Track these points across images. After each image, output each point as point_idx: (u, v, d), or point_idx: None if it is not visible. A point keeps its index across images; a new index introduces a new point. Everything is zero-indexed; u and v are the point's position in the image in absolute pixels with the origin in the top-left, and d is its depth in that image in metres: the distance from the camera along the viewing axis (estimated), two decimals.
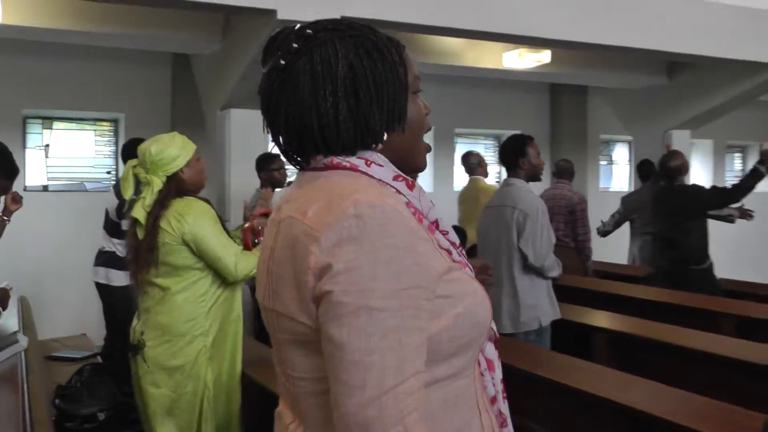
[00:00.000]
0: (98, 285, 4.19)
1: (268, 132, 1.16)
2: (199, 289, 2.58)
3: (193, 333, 2.56)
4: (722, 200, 5.13)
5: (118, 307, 4.11)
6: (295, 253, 1.04)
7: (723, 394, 2.76)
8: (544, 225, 3.57)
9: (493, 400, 1.21)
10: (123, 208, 3.88)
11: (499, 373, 1.22)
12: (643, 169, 6.21)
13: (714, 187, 5.43)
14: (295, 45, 1.10)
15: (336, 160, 1.11)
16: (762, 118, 9.78)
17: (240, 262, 2.57)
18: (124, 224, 3.87)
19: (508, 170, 3.73)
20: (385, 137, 1.13)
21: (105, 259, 4.16)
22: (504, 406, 1.23)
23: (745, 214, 5.82)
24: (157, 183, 2.54)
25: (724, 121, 8.13)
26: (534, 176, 3.70)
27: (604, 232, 6.27)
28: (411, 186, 1.14)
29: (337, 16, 3.91)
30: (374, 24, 3.86)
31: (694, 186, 5.40)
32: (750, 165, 10.20)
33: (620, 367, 3.35)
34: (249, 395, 2.78)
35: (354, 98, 1.10)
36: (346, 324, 0.97)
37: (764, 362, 3.05)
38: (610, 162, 9.70)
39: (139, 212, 2.51)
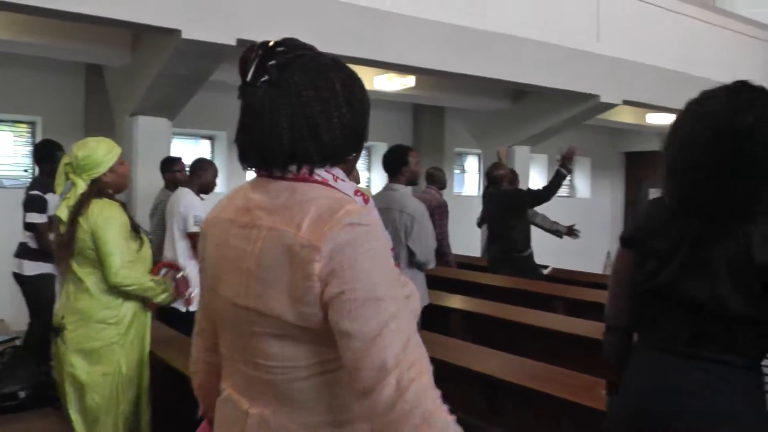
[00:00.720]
0: (14, 274, 4.27)
1: (234, 148, 1.18)
2: None
3: (108, 320, 2.64)
4: (536, 200, 5.56)
5: (30, 294, 4.25)
6: (292, 263, 1.07)
7: (557, 362, 3.04)
8: (428, 226, 3.75)
9: None
10: (28, 203, 4.10)
11: None
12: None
13: (529, 190, 5.90)
14: (274, 62, 1.13)
15: (306, 173, 1.14)
16: (586, 138, 10.67)
17: (123, 269, 2.60)
18: (29, 217, 4.09)
19: (390, 176, 3.85)
20: (361, 149, 1.22)
21: (19, 250, 4.27)
22: None
23: (572, 233, 6.35)
24: (81, 185, 2.61)
25: (557, 139, 8.81)
26: (413, 182, 3.89)
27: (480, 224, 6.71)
28: (366, 200, 1.20)
29: (233, 40, 4.47)
30: None
31: (515, 189, 5.85)
32: (575, 176, 11.75)
33: (473, 341, 3.63)
34: (155, 370, 2.89)
35: (351, 111, 1.16)
36: (360, 316, 1.03)
37: (589, 335, 3.31)
38: (463, 171, 10.46)
39: (63, 211, 2.61)
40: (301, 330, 1.09)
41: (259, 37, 4.60)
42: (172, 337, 3.39)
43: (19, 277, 4.27)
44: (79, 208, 2.58)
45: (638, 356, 1.72)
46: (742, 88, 1.57)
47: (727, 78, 6.52)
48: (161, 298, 2.77)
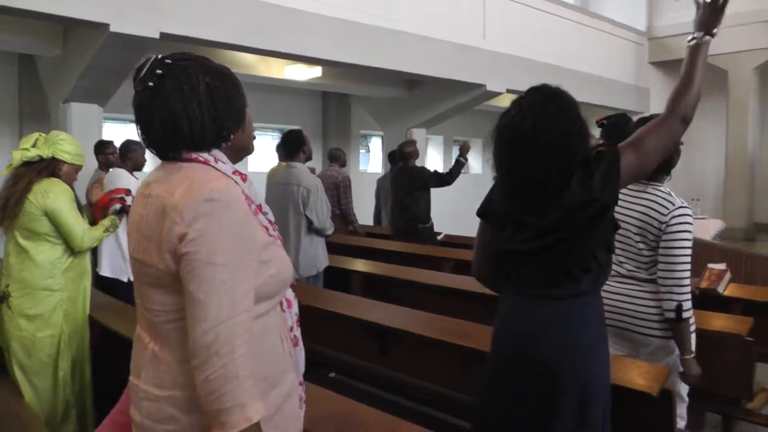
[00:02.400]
0: None
1: (140, 134, 1.31)
2: (56, 253, 2.78)
3: (51, 288, 2.76)
4: (438, 182, 5.87)
5: None
6: (164, 221, 1.24)
7: (446, 313, 3.21)
8: (323, 197, 4.13)
9: (291, 328, 1.44)
10: None
11: (295, 308, 1.46)
12: (392, 157, 6.81)
13: (435, 171, 6.16)
14: (159, 71, 1.28)
15: (194, 155, 1.30)
16: (475, 122, 11.64)
17: (86, 236, 2.80)
18: None
19: (289, 156, 4.24)
20: (232, 137, 1.35)
21: None
22: (298, 331, 1.46)
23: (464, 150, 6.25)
24: (45, 151, 2.74)
25: (450, 122, 9.50)
26: (309, 159, 4.32)
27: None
28: (244, 179, 1.34)
29: (157, 33, 4.95)
30: (186, 40, 5.31)
31: (421, 167, 6.12)
32: (470, 157, 12.69)
33: (373, 298, 3.79)
34: (94, 332, 3.00)
35: (213, 109, 1.30)
36: (197, 275, 1.19)
37: (473, 290, 3.45)
38: (368, 151, 11.02)
39: (17, 155, 2.72)
40: (170, 278, 1.25)
41: (180, 31, 5.11)
42: (110, 303, 3.48)
43: None
44: (35, 176, 2.71)
45: (503, 304, 1.88)
46: (527, 96, 1.75)
47: (595, 70, 7.77)
48: (113, 228, 2.99)
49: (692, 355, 2.35)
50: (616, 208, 2.32)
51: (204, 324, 1.17)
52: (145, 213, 1.30)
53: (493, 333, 1.89)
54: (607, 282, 2.33)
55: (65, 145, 2.81)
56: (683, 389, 2.49)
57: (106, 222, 2.99)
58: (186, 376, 1.25)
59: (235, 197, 1.25)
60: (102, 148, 5.13)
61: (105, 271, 4.38)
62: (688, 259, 2.33)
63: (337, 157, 6.57)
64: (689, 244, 2.34)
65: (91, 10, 4.68)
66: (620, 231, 2.35)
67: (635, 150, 1.72)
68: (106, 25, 4.78)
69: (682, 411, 2.48)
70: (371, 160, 11.07)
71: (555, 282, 1.73)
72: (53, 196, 2.71)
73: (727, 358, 2.57)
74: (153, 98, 1.28)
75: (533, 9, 8.56)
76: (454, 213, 7.86)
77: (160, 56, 1.32)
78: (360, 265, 4.85)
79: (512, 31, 8.15)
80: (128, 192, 3.17)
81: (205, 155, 1.32)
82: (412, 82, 8.57)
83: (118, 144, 4.86)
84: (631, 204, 2.43)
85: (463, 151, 6.03)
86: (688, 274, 2.32)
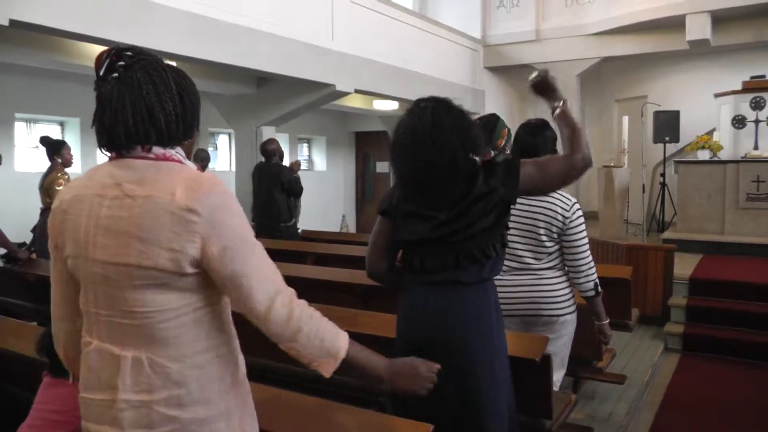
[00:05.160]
0: None
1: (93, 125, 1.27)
2: None
3: None
4: (289, 191, 6.23)
5: None
6: (173, 223, 1.24)
7: (315, 302, 3.57)
8: None
9: None
10: None
11: None
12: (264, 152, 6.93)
13: (292, 180, 6.37)
14: (122, 63, 1.29)
15: (167, 153, 1.32)
16: (321, 119, 11.90)
17: None
18: None
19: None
20: (195, 133, 1.40)
21: None
22: None
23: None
24: None
25: (297, 121, 9.62)
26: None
27: None
28: None
29: (6, 20, 4.65)
30: (37, 29, 5.18)
31: (282, 167, 6.36)
32: (312, 151, 12.94)
33: None
34: None
35: (182, 102, 1.33)
36: (239, 259, 1.29)
37: (335, 279, 3.96)
38: (216, 148, 10.85)
39: None
40: (176, 278, 1.27)
41: (31, 18, 4.87)
42: None
43: None
44: None
45: (409, 294, 2.04)
46: (417, 103, 1.95)
47: (436, 73, 8.40)
48: None
49: (607, 321, 2.85)
50: (523, 209, 2.70)
51: (279, 297, 1.33)
52: (128, 215, 1.26)
53: (400, 320, 2.05)
54: (507, 277, 2.77)
55: None
56: (566, 358, 2.90)
57: None
58: (184, 372, 1.30)
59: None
60: None
61: None
62: (588, 242, 2.77)
63: (199, 157, 6.95)
64: (586, 232, 2.78)
65: None
66: (526, 227, 2.76)
67: (537, 167, 1.96)
68: None
69: (559, 376, 2.89)
70: (218, 157, 10.93)
71: (462, 266, 1.92)
72: None
73: (580, 326, 2.98)
74: (124, 89, 1.28)
75: (377, 13, 8.91)
76: (304, 210, 7.99)
77: (117, 48, 1.33)
78: None
79: (359, 33, 8.43)
80: None
81: (176, 154, 1.35)
82: (261, 80, 8.59)
83: None
84: (534, 205, 2.79)
85: (295, 168, 6.35)
86: (591, 256, 2.76)
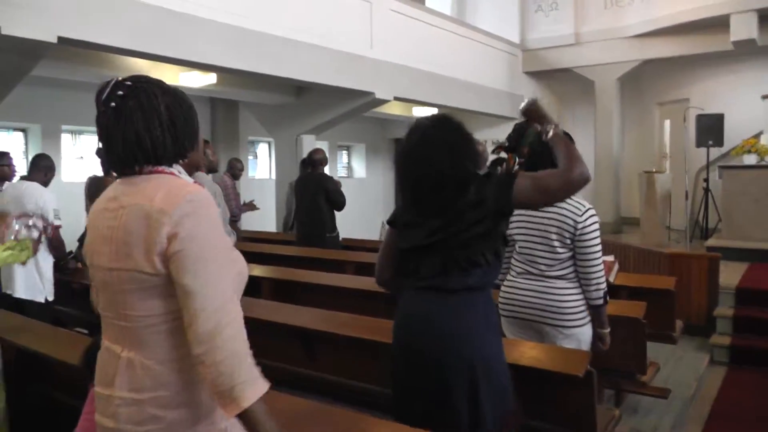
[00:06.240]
0: None
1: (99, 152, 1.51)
2: None
3: None
4: (332, 203, 6.06)
5: None
6: (148, 225, 1.31)
7: (353, 311, 3.43)
8: (221, 203, 3.97)
9: None
10: None
11: None
12: (305, 162, 6.79)
13: (337, 191, 6.18)
14: (120, 92, 1.36)
15: (160, 168, 1.40)
16: (360, 127, 12.04)
17: None
18: None
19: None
20: (188, 154, 1.47)
21: None
22: None
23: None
24: None
25: (337, 128, 9.68)
26: (212, 169, 4.43)
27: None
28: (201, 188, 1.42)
29: (54, 37, 4.78)
30: (84, 45, 5.25)
31: (329, 177, 6.26)
32: (352, 159, 13.04)
33: (284, 302, 3.90)
34: (7, 355, 2.93)
35: (173, 128, 1.40)
36: (190, 270, 1.30)
37: (374, 289, 3.52)
38: (255, 157, 11.06)
39: None
40: (158, 281, 1.32)
41: (79, 35, 5.05)
42: (23, 324, 3.36)
43: None
44: None
45: (404, 297, 2.12)
46: (417, 121, 2.12)
47: (474, 79, 8.35)
48: (24, 256, 2.59)
49: (608, 329, 2.83)
50: (538, 214, 2.70)
51: (203, 313, 1.28)
52: (117, 224, 1.36)
53: (394, 325, 2.14)
54: (519, 280, 2.80)
55: None
56: None
57: (17, 246, 2.58)
58: (168, 375, 1.36)
59: (210, 199, 1.37)
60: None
61: (20, 292, 4.29)
62: (601, 251, 2.75)
63: (231, 166, 7.09)
64: (600, 239, 2.74)
65: None
66: (540, 233, 2.74)
67: (532, 180, 1.99)
68: None
69: None
70: (259, 166, 11.09)
71: (448, 273, 1.97)
72: None
73: (623, 338, 2.95)
74: (117, 118, 1.36)
75: (415, 20, 8.95)
76: (342, 218, 8.03)
77: (120, 78, 1.41)
78: (268, 271, 4.92)
79: (397, 40, 8.47)
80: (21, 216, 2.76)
81: (169, 168, 1.43)
82: (301, 89, 8.70)
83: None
84: (548, 210, 2.77)
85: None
86: (603, 264, 2.75)
